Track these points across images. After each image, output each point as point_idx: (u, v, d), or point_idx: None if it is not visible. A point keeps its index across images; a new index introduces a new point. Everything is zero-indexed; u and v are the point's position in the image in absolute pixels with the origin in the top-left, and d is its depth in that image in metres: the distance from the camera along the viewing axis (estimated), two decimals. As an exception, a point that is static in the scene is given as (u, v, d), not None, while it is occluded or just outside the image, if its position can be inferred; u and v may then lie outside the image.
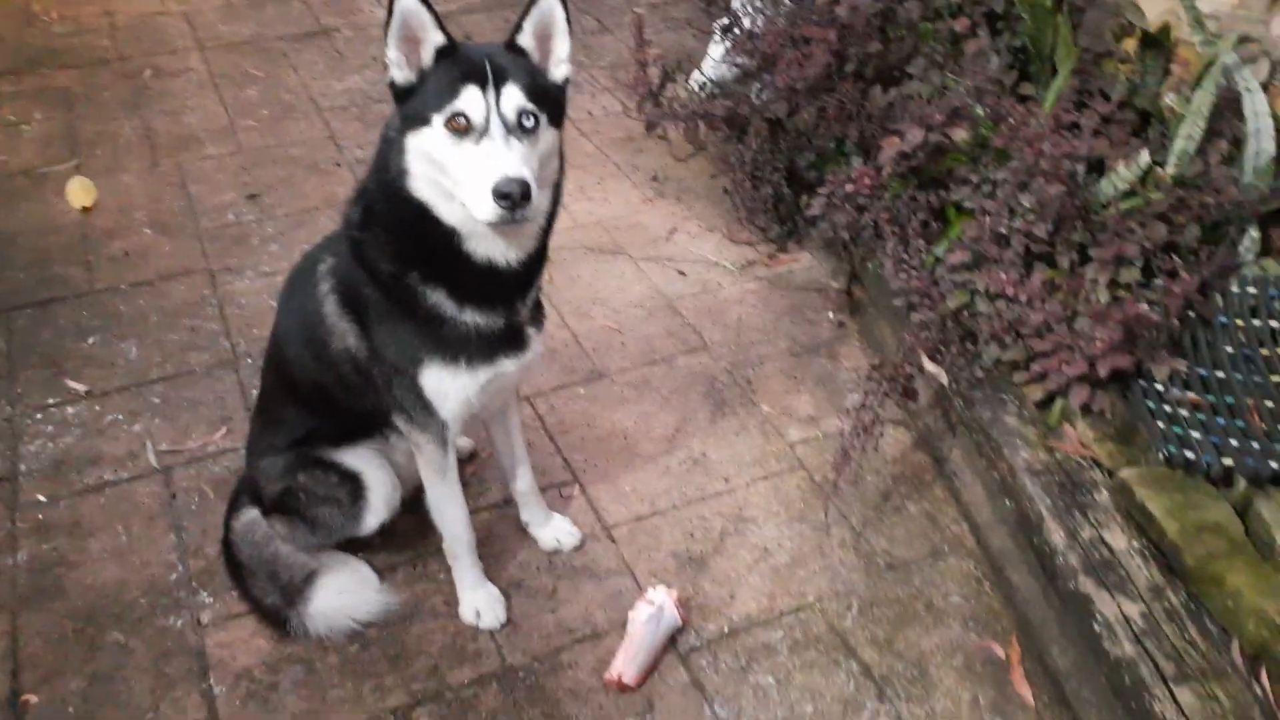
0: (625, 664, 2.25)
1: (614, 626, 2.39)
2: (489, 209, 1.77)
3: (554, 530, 2.57)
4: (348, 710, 2.19)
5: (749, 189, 3.65)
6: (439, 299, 2.01)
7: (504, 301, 2.05)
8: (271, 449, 2.37)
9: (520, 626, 2.38)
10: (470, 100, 1.79)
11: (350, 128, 4.42)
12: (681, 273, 3.59)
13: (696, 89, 4.10)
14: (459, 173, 1.81)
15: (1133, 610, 2.17)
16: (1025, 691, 2.31)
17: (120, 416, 2.88)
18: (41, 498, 2.62)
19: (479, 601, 2.37)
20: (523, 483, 2.53)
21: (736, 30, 3.79)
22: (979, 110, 3.19)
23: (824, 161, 3.72)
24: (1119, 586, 2.22)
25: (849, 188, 3.09)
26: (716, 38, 4.14)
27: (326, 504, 2.33)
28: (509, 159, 1.77)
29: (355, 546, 2.47)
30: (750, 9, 3.89)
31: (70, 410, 2.89)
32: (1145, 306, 2.54)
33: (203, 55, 4.97)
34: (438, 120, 1.81)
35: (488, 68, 1.80)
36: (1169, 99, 3.25)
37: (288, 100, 4.62)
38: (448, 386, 2.08)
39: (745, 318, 3.40)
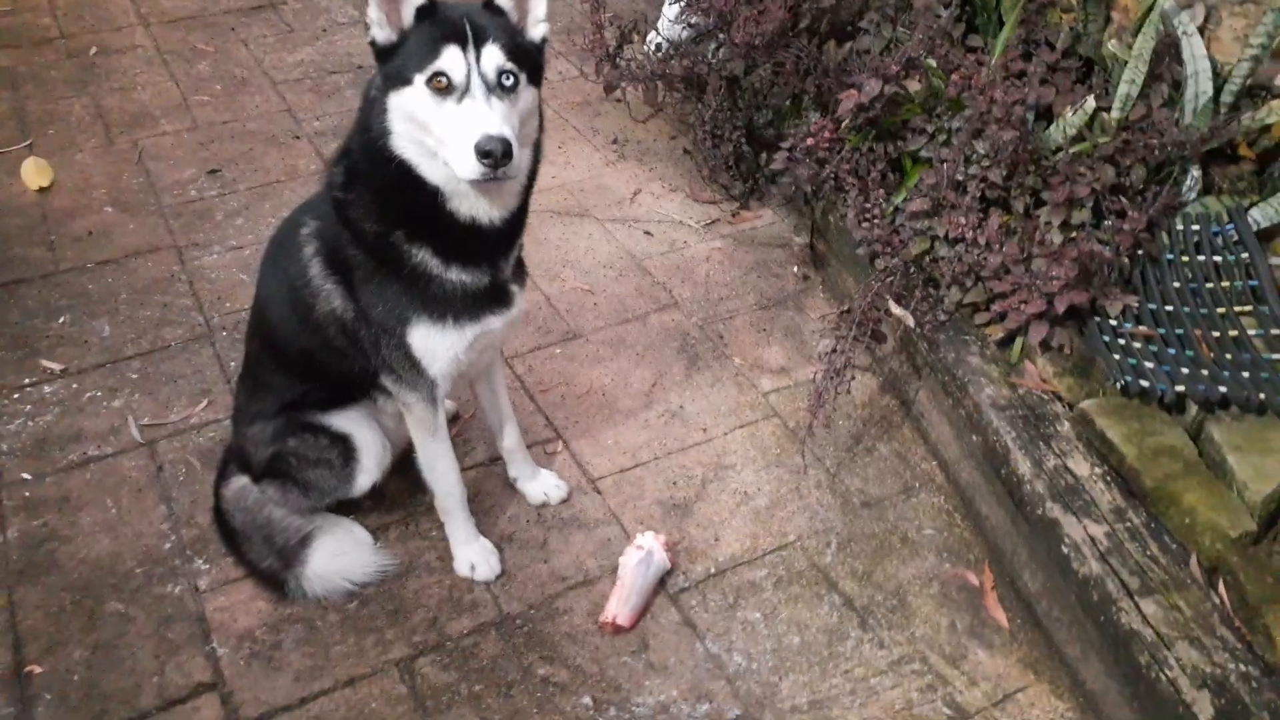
0: (619, 606, 2.33)
1: (605, 573, 2.47)
2: (472, 166, 1.81)
3: (541, 484, 2.63)
4: (351, 664, 2.24)
5: (710, 148, 3.71)
6: (424, 257, 2.05)
7: (488, 259, 2.10)
8: (260, 415, 2.40)
9: (515, 577, 2.45)
10: (451, 60, 1.83)
11: (306, 100, 4.40)
12: (648, 233, 3.65)
13: (652, 50, 4.14)
14: (441, 131, 1.85)
15: (1097, 531, 2.30)
16: (999, 615, 2.44)
17: (99, 393, 2.88)
18: (26, 475, 2.63)
19: (473, 555, 2.43)
20: (509, 439, 2.59)
21: (691, -10, 3.82)
22: (931, 62, 3.27)
23: (781, 118, 3.80)
24: (1084, 510, 2.35)
25: (809, 141, 3.17)
26: (670, -2, 4.18)
27: (318, 466, 2.37)
28: (490, 117, 1.81)
29: (346, 509, 2.52)
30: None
31: (47, 389, 2.88)
32: (1099, 245, 2.65)
33: (148, 31, 4.89)
34: (419, 80, 1.84)
35: (468, 27, 1.84)
36: (1111, 45, 3.36)
37: (240, 74, 4.57)
38: (436, 344, 2.13)
39: (713, 274, 3.48)
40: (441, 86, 1.83)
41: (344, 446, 2.36)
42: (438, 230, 2.01)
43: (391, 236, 2.03)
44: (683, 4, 3.91)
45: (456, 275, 2.07)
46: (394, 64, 1.88)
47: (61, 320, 3.13)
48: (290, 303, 2.24)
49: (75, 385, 2.90)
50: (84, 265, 3.36)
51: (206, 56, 4.71)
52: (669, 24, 4.16)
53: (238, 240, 3.50)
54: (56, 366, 2.95)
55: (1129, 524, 2.32)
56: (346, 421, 2.37)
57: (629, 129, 4.24)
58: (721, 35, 3.69)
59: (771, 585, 2.47)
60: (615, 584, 2.37)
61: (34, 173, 3.74)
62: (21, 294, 3.22)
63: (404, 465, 2.70)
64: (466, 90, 1.83)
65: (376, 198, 2.02)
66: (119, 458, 2.70)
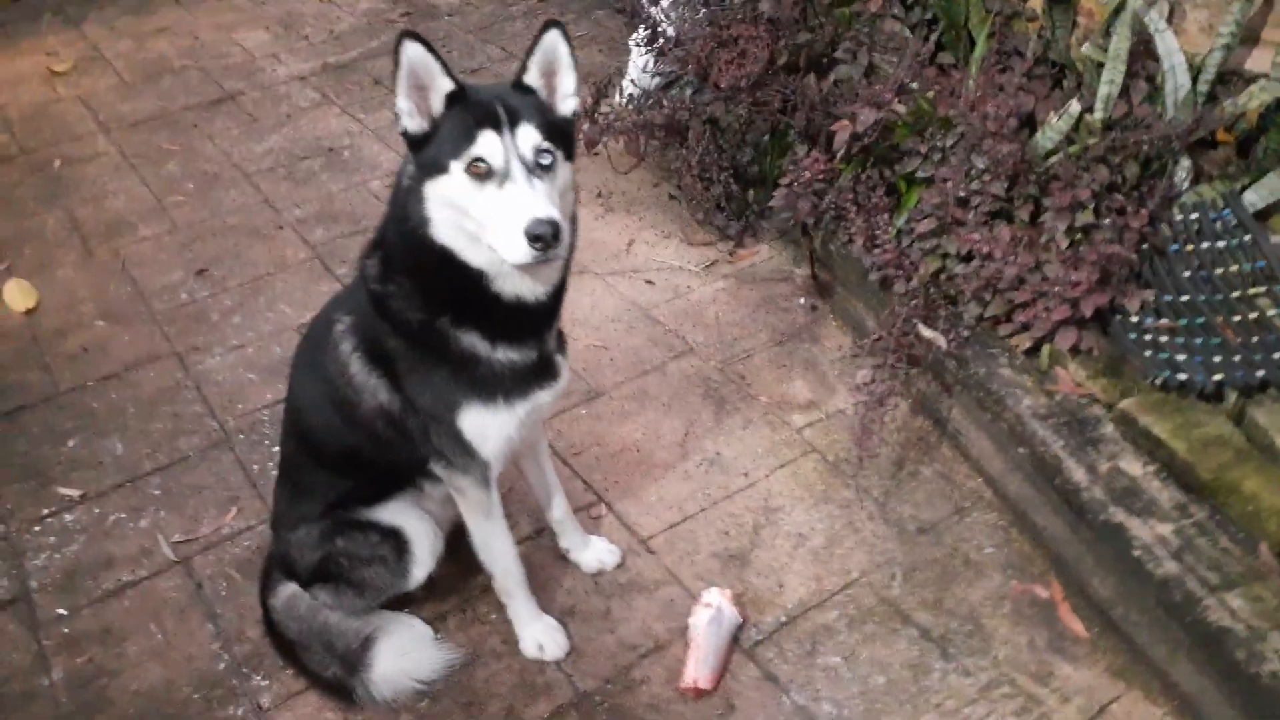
0: (697, 669, 2.27)
1: (675, 635, 2.41)
2: (522, 251, 1.78)
3: (595, 552, 2.58)
4: (434, 766, 2.17)
5: (700, 190, 3.72)
6: (472, 340, 2.01)
7: (534, 334, 2.07)
8: (303, 519, 2.33)
9: (584, 652, 2.39)
10: (488, 145, 1.81)
11: (282, 188, 4.35)
12: (650, 282, 3.63)
13: (625, 102, 4.16)
14: (485, 217, 1.82)
15: (1165, 530, 2.30)
16: (1076, 626, 2.42)
17: (123, 515, 2.79)
18: (62, 611, 2.52)
19: (539, 635, 2.37)
20: (558, 510, 2.54)
21: (661, 39, 3.85)
22: (914, 85, 3.31)
23: (762, 155, 3.82)
24: (1147, 510, 2.35)
25: (806, 175, 3.18)
26: (636, 49, 4.21)
27: (371, 564, 2.30)
28: (536, 200, 1.79)
29: (400, 603, 2.45)
30: (669, 16, 3.97)
31: (68, 517, 2.78)
32: (1118, 245, 2.67)
33: (109, 137, 4.82)
34: (457, 167, 1.82)
35: (501, 110, 1.82)
36: (1085, 48, 3.43)
37: (211, 170, 4.52)
38: (488, 426, 2.09)
39: (722, 315, 3.46)
40: (480, 172, 1.81)
41: (396, 540, 2.30)
42: (483, 312, 1.98)
43: (436, 323, 2.00)
44: (654, 54, 3.93)
45: (504, 354, 2.03)
46: (429, 152, 1.86)
47: (71, 443, 3.03)
48: (331, 402, 2.18)
49: (97, 510, 2.81)
50: (84, 384, 3.27)
51: (173, 156, 4.65)
52: (639, 74, 4.19)
53: (238, 339, 3.43)
54: (74, 492, 2.86)
55: (1194, 519, 2.32)
56: (395, 514, 2.31)
57: (612, 181, 4.25)
58: (698, 81, 3.71)
59: (845, 626, 2.43)
60: (689, 647, 2.32)
61: (18, 295, 3.65)
62: (25, 421, 3.13)
63: (451, 549, 2.64)
64: (507, 174, 1.81)
65: (418, 286, 1.98)
66: (155, 580, 2.61)
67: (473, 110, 1.84)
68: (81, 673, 2.38)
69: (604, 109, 3.94)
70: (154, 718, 2.28)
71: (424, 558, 2.33)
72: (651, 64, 4.09)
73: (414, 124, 1.87)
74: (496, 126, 1.81)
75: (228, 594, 2.56)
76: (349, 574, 2.31)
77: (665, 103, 3.82)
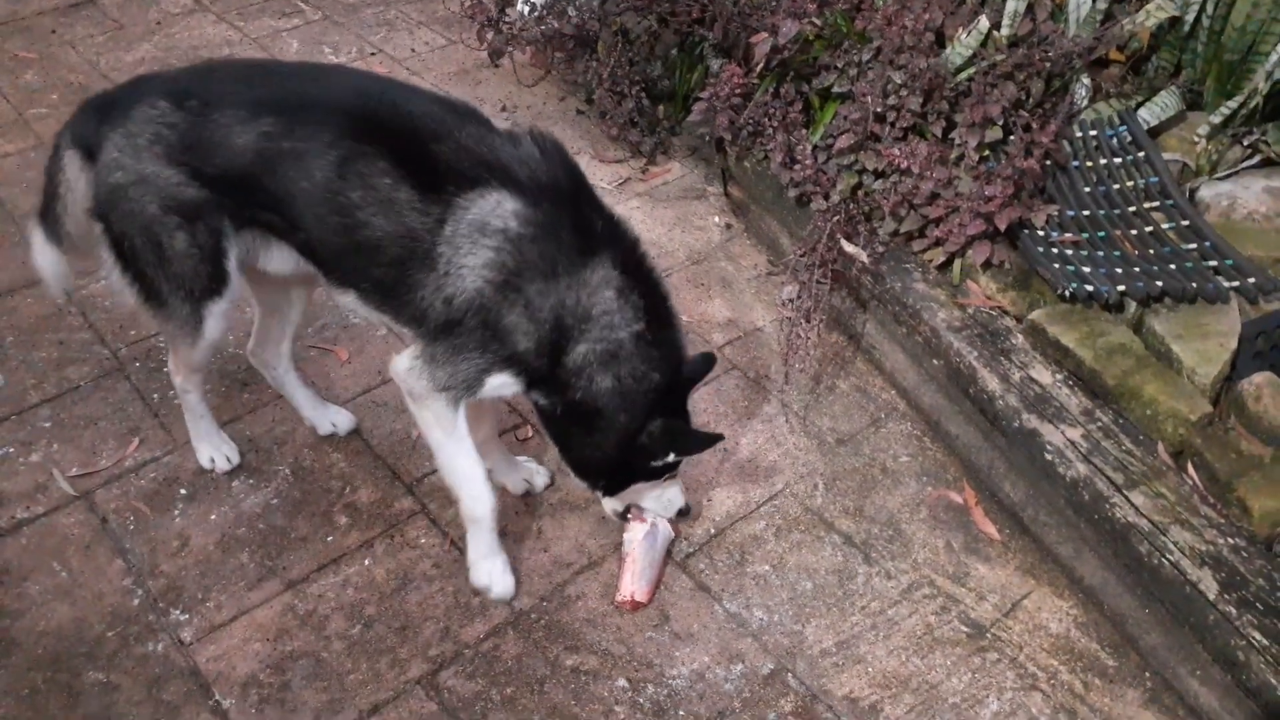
0: (633, 583, 2.29)
1: (608, 551, 2.42)
2: None
3: (522, 473, 2.55)
4: (371, 691, 2.14)
5: (612, 105, 3.64)
6: None
7: None
8: None
9: (518, 571, 2.37)
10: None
11: (159, 100, 4.05)
12: (562, 200, 3.55)
13: (529, 11, 4.01)
14: None
15: (1074, 434, 2.41)
16: (989, 528, 2.53)
17: (10, 449, 2.61)
18: (-48, 553, 2.36)
19: (494, 569, 2.29)
20: (481, 432, 2.49)
21: (567, -54, 3.71)
22: (831, -3, 3.29)
23: (674, 70, 3.75)
24: (1057, 416, 2.45)
25: (725, 89, 3.14)
26: (539, -44, 4.05)
27: None
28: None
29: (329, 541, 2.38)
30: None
31: (-50, 454, 2.59)
32: (1031, 160, 2.74)
33: (-45, 43, 4.39)
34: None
35: None
36: (992, -35, 3.45)
37: (77, 80, 4.17)
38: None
39: (639, 234, 3.41)
40: None
41: None
42: None
43: None
44: (559, -39, 3.79)
45: None
46: None
47: (-55, 376, 2.81)
48: None
49: (-19, 444, 2.62)
50: (-46, 311, 3.02)
51: (31, 65, 4.27)
52: (542, -18, 4.03)
53: (125, 261, 3.21)
54: (-47, 427, 2.66)
55: (1100, 423, 2.44)
56: None
57: (516, 95, 4.11)
58: (608, -11, 3.60)
59: (773, 536, 2.48)
60: (624, 561, 2.33)
61: None
62: (-111, 353, 2.88)
63: (376, 472, 2.59)
64: None
65: None
66: (54, 516, 2.46)
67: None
68: (-20, 616, 2.25)
69: (509, 17, 3.79)
70: (67, 658, 2.17)
71: None
72: (556, -28, 3.94)
73: None
74: None
75: (136, 528, 2.44)
76: None
77: (572, 11, 3.70)
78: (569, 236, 1.98)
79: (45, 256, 2.34)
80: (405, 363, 2.08)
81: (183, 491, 2.53)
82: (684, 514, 2.36)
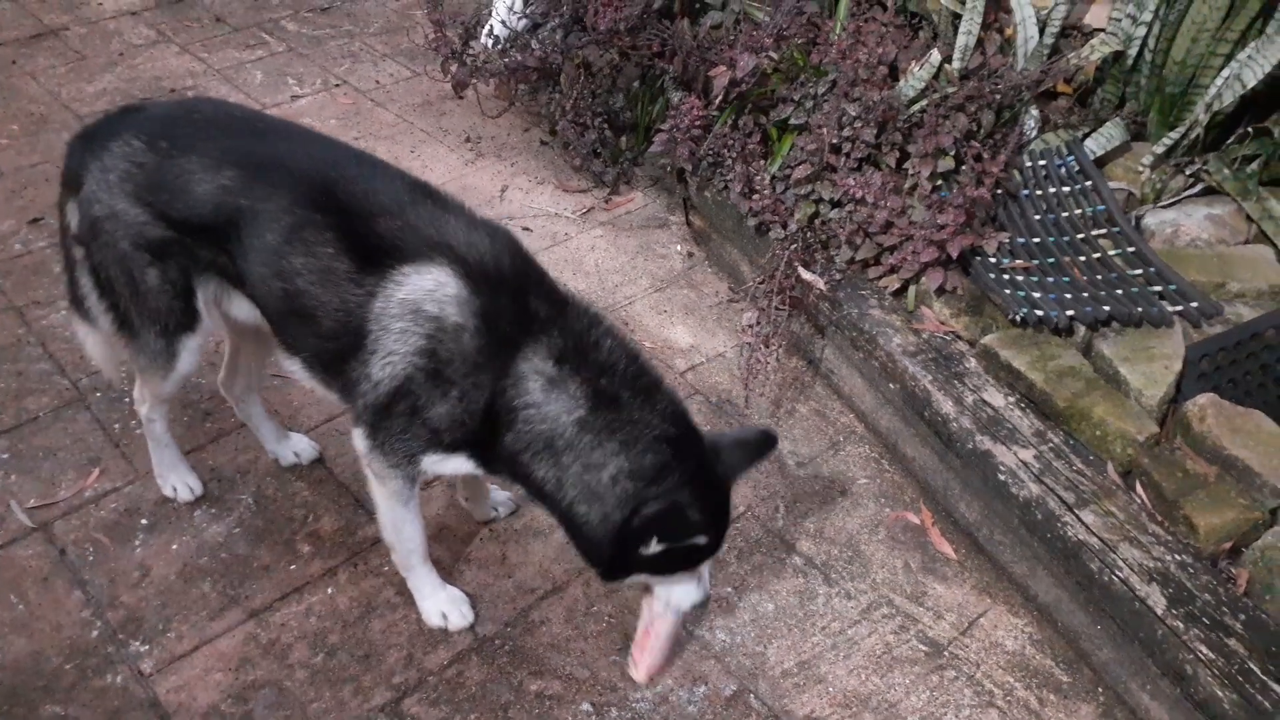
0: (650, 659, 2.18)
1: (571, 576, 2.44)
2: None
3: (490, 502, 2.56)
4: (334, 719, 2.13)
5: (575, 136, 3.69)
6: None
7: None
8: None
9: (482, 598, 2.39)
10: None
11: (121, 131, 4.05)
12: (527, 229, 3.60)
13: (491, 45, 4.07)
14: None
15: (1027, 455, 2.47)
16: (946, 548, 2.58)
17: (-33, 482, 2.59)
18: (-93, 586, 2.33)
19: (442, 604, 2.30)
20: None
21: (530, -20, 3.78)
22: (789, 31, 3.37)
23: (635, 102, 3.82)
24: (1010, 438, 2.51)
25: (685, 121, 3.20)
26: (501, -10, 4.11)
27: None
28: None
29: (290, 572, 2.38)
30: (537, -43, 3.89)
31: (-95, 487, 2.56)
32: (983, 189, 2.82)
33: (-86, 73, 4.37)
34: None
35: None
36: (943, 0, 3.56)
37: (38, 111, 4.17)
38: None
39: (602, 263, 3.47)
40: None
41: None
42: None
43: None
44: (522, -4, 3.86)
45: None
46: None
47: (-99, 408, 2.78)
48: None
49: (-63, 476, 2.59)
50: (-90, 343, 2.99)
51: (-9, 95, 4.26)
52: (507, 14, 4.09)
53: (85, 292, 3.20)
54: (-91, 459, 2.63)
55: (1051, 444, 2.50)
56: None
57: (479, 126, 4.16)
58: (570, 22, 3.67)
59: (735, 558, 2.51)
60: (644, 634, 2.17)
61: None
62: None
63: (339, 500, 2.59)
64: None
65: None
66: (11, 548, 2.44)
67: None
68: (-65, 649, 2.22)
69: (473, 50, 3.84)
70: (23, 691, 2.14)
71: None
72: (519, 3, 4.01)
73: None
74: None
75: (95, 559, 2.42)
76: None
77: (535, 45, 3.76)
78: (504, 326, 1.91)
79: (88, 340, 2.35)
80: (362, 443, 2.06)
81: (144, 522, 2.51)
82: (698, 606, 2.12)
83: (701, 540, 1.94)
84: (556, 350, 1.91)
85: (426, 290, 1.90)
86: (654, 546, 1.89)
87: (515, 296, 1.93)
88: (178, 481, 2.55)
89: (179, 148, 2.05)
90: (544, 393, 1.90)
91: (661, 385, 1.98)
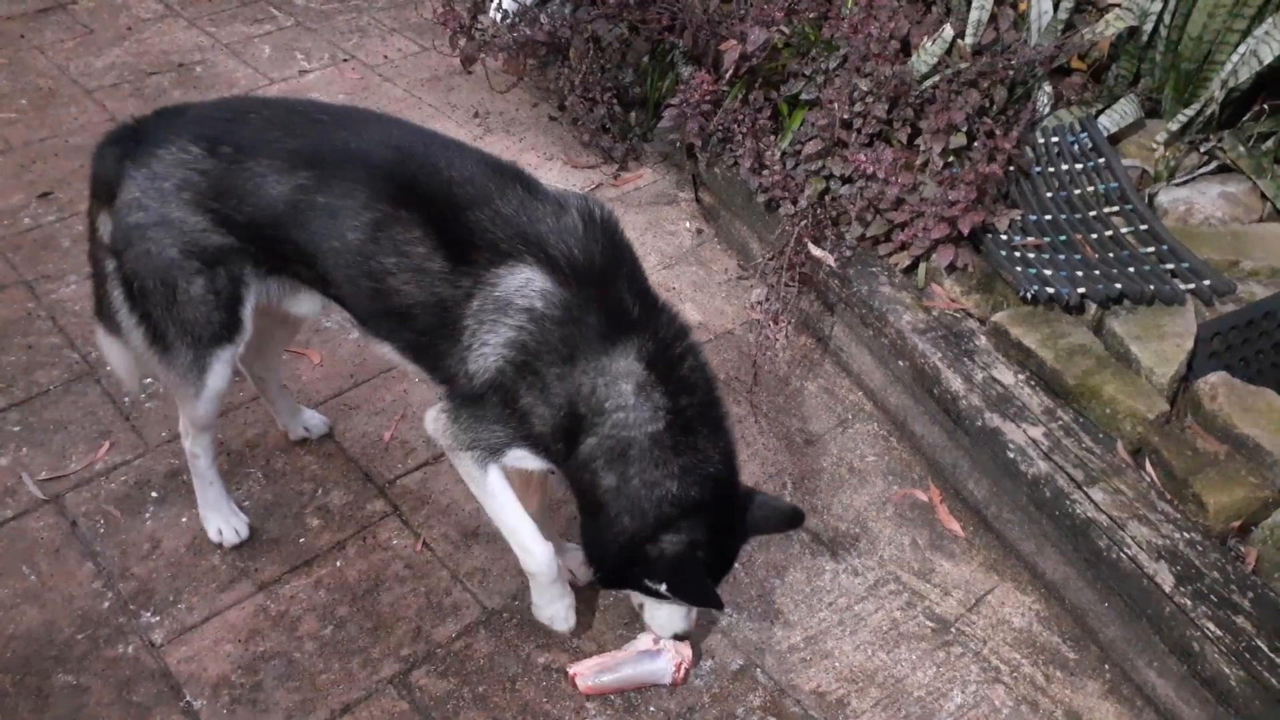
0: (590, 670, 2.17)
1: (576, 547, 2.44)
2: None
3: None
4: (342, 691, 2.15)
5: (584, 111, 3.67)
6: None
7: None
8: None
9: (490, 571, 2.40)
10: None
11: (129, 105, 4.04)
12: (534, 205, 3.58)
13: (499, 19, 4.04)
14: None
15: (1036, 433, 2.46)
16: (954, 526, 2.58)
17: (-21, 454, 2.61)
18: (-81, 556, 2.35)
19: (557, 613, 2.20)
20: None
21: (539, -47, 3.75)
22: (800, 5, 3.34)
23: (645, 77, 3.80)
24: (1019, 415, 2.50)
25: (695, 96, 3.18)
26: (510, -35, 4.08)
27: None
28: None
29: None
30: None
31: (-83, 459, 2.58)
32: (994, 166, 2.80)
33: (-78, 47, 4.37)
34: None
35: None
36: (957, -25, 3.52)
37: (46, 85, 4.16)
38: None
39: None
40: None
41: None
42: None
43: None
44: (532, -32, 3.83)
45: None
46: None
47: (-89, 380, 2.80)
48: None
49: (-51, 449, 2.61)
50: (-79, 316, 3.01)
51: None
52: (514, -11, 4.07)
53: (94, 266, 3.21)
54: (-79, 431, 2.64)
55: (1061, 422, 2.50)
56: None
57: (488, 101, 4.14)
58: (582, -3, 3.64)
59: (742, 535, 2.51)
60: (613, 654, 2.19)
61: None
62: None
63: (348, 474, 2.60)
64: None
65: None
66: (23, 520, 2.46)
67: None
68: (-53, 619, 2.24)
69: (482, 24, 3.82)
70: (36, 661, 2.16)
71: None
72: (528, -21, 3.98)
73: None
74: None
75: (106, 531, 2.44)
76: None
77: (544, 19, 3.74)
78: (595, 320, 1.86)
79: (111, 352, 2.29)
80: (432, 415, 2.05)
81: (154, 494, 2.53)
82: (680, 638, 2.17)
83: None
84: (648, 355, 1.87)
85: (518, 286, 1.87)
86: (661, 587, 1.96)
87: (608, 290, 1.88)
88: (222, 523, 2.41)
89: (245, 152, 1.99)
90: (634, 397, 1.86)
91: (726, 421, 1.97)
